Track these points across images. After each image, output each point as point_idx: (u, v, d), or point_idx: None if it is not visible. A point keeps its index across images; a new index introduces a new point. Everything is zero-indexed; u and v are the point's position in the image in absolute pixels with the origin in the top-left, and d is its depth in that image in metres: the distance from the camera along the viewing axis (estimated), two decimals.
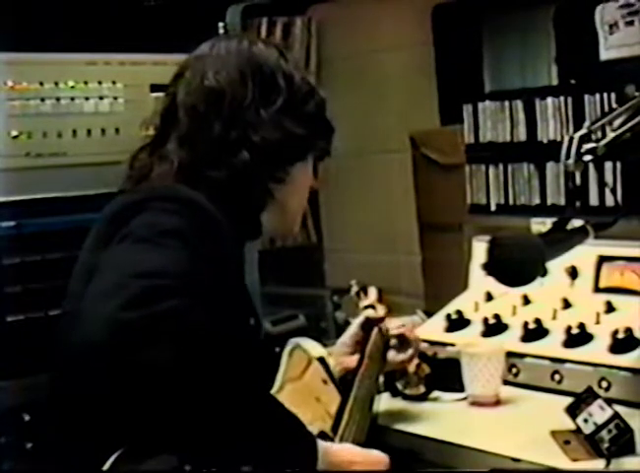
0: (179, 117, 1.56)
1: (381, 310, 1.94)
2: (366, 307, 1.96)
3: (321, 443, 1.37)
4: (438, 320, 2.35)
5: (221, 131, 1.53)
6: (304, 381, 1.58)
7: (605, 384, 1.92)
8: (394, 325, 1.94)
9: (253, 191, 1.55)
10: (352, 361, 1.83)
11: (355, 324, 1.94)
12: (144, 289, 1.21)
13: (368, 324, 1.92)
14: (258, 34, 3.27)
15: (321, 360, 1.63)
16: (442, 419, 1.95)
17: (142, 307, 1.19)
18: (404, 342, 1.94)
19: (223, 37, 1.65)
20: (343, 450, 1.44)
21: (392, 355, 1.94)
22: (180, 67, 1.62)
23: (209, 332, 1.25)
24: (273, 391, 1.48)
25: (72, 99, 2.29)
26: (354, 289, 2.01)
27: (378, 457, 1.48)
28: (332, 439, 1.54)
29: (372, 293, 1.99)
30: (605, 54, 2.45)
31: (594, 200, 2.36)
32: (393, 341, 1.94)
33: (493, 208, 2.67)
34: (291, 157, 1.60)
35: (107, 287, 1.23)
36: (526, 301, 2.26)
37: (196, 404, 1.21)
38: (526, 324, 2.15)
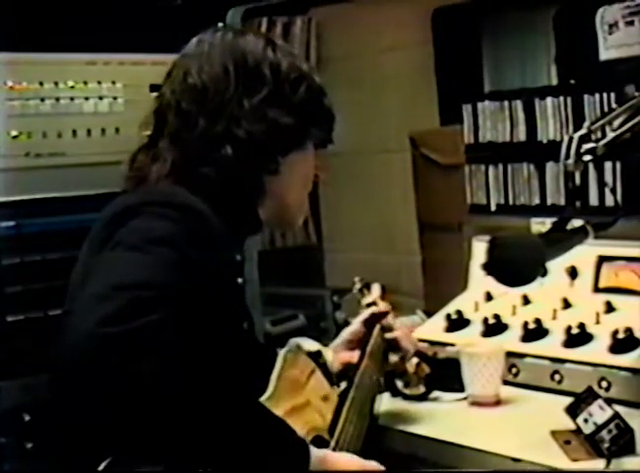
0: (168, 116, 1.54)
1: (384, 306, 1.94)
2: (369, 305, 1.96)
3: (316, 451, 1.36)
4: (438, 320, 2.35)
5: (205, 127, 1.50)
6: (309, 387, 1.54)
7: (605, 384, 1.92)
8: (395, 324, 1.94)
9: (244, 185, 1.52)
10: (352, 356, 1.82)
11: (358, 321, 1.93)
12: (127, 302, 1.19)
13: (371, 321, 1.91)
14: None
15: (317, 354, 1.60)
16: (442, 419, 1.95)
17: (123, 322, 1.17)
18: (398, 345, 1.94)
19: (210, 32, 1.60)
20: (340, 459, 1.42)
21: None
22: (170, 66, 1.61)
23: (192, 344, 1.23)
24: (268, 392, 1.45)
25: (72, 99, 2.30)
26: (357, 285, 2.01)
27: (375, 468, 1.47)
28: (328, 442, 1.53)
29: (375, 290, 1.99)
30: (604, 54, 2.45)
31: (594, 200, 2.36)
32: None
33: (493, 208, 2.67)
34: (282, 147, 1.55)
35: (93, 296, 1.22)
36: (526, 301, 2.25)
37: (180, 415, 1.20)
38: (526, 324, 2.15)
